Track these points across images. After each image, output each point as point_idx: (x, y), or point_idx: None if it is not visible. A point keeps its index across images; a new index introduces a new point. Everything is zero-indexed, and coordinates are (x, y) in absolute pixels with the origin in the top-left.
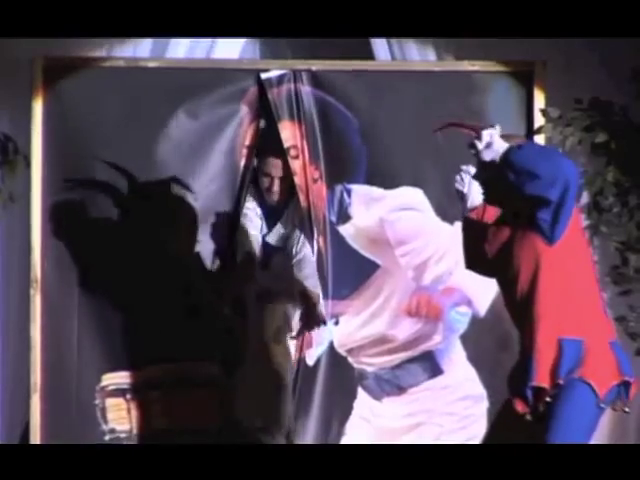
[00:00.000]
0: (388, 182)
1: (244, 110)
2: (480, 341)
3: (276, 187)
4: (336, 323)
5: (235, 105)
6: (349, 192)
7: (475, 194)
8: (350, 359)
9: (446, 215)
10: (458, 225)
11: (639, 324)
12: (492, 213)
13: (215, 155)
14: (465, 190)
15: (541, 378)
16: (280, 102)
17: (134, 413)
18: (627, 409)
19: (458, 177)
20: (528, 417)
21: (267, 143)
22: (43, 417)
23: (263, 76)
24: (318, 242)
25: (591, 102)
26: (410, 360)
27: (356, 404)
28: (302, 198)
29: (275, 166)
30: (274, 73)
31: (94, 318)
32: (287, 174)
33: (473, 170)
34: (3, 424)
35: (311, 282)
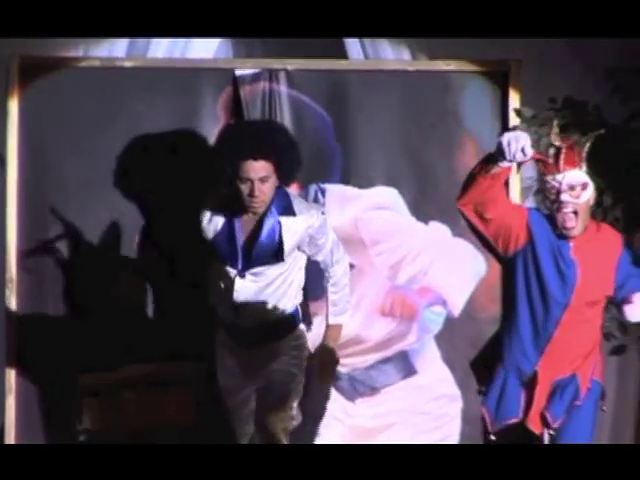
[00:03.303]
0: (363, 182)
1: (219, 108)
2: (454, 341)
3: (257, 191)
4: (309, 324)
5: (211, 104)
6: (323, 192)
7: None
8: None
9: (420, 214)
10: (432, 224)
11: (613, 324)
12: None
13: None
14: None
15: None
16: (252, 100)
17: (109, 413)
18: (605, 408)
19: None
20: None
21: (239, 145)
22: (18, 418)
23: (238, 72)
24: None
25: (565, 101)
26: (384, 360)
27: (330, 405)
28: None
29: (253, 168)
30: (249, 71)
31: (69, 319)
32: (268, 174)
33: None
34: None
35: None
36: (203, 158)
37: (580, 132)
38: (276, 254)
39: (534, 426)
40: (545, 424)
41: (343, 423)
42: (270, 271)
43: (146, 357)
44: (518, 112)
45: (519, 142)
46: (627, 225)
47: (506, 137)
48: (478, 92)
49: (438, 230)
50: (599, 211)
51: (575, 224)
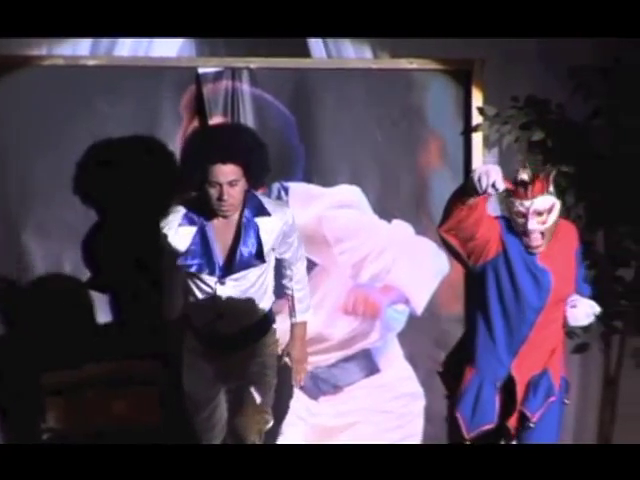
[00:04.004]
0: (326, 180)
1: (182, 107)
2: (417, 339)
3: (226, 195)
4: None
5: (174, 102)
6: (287, 190)
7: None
8: (286, 358)
9: (384, 213)
10: (395, 223)
11: None
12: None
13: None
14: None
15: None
16: (215, 98)
17: (73, 412)
18: (567, 401)
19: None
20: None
21: (207, 149)
22: None
23: (201, 70)
24: None
25: (527, 100)
26: (347, 359)
27: (292, 403)
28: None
29: (222, 172)
30: (212, 69)
31: (32, 317)
32: (237, 177)
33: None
34: None
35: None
36: (167, 161)
37: (542, 130)
38: (257, 256)
39: (512, 425)
40: (523, 420)
41: (306, 422)
42: (251, 274)
43: (110, 355)
44: (481, 110)
45: (490, 177)
46: (589, 223)
47: (477, 173)
48: (441, 90)
49: (401, 228)
50: (562, 209)
51: (541, 243)
